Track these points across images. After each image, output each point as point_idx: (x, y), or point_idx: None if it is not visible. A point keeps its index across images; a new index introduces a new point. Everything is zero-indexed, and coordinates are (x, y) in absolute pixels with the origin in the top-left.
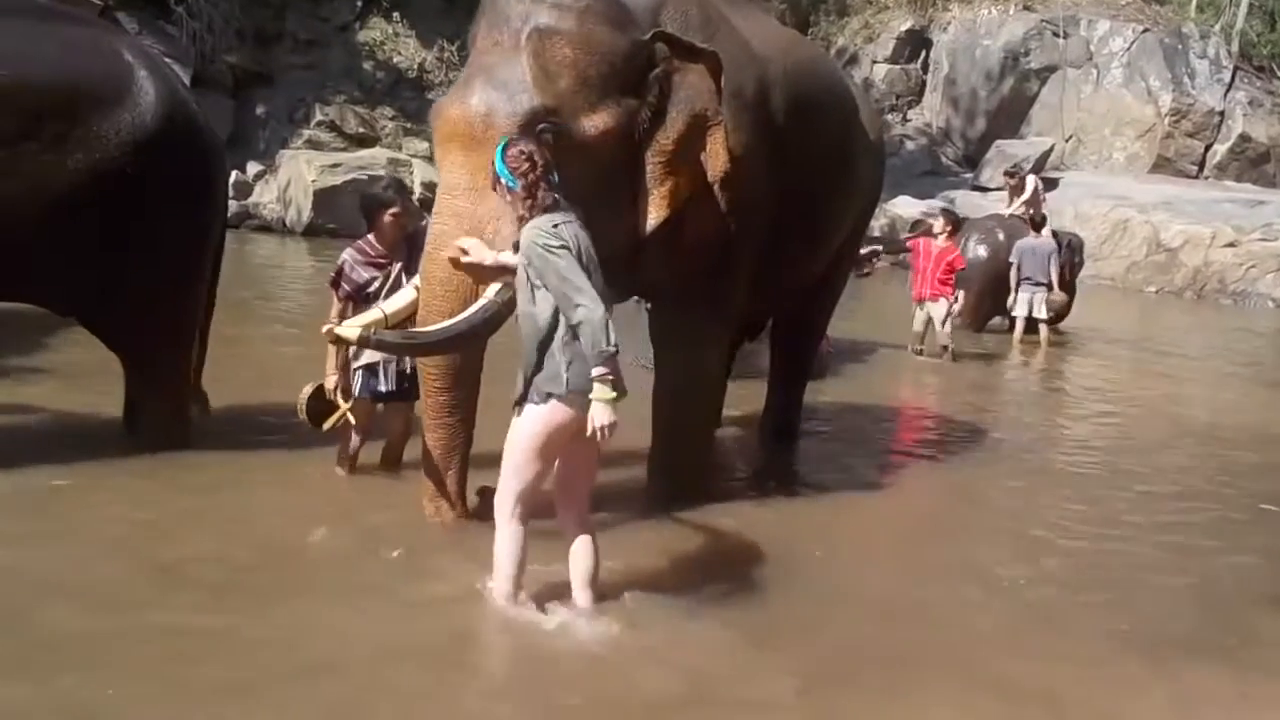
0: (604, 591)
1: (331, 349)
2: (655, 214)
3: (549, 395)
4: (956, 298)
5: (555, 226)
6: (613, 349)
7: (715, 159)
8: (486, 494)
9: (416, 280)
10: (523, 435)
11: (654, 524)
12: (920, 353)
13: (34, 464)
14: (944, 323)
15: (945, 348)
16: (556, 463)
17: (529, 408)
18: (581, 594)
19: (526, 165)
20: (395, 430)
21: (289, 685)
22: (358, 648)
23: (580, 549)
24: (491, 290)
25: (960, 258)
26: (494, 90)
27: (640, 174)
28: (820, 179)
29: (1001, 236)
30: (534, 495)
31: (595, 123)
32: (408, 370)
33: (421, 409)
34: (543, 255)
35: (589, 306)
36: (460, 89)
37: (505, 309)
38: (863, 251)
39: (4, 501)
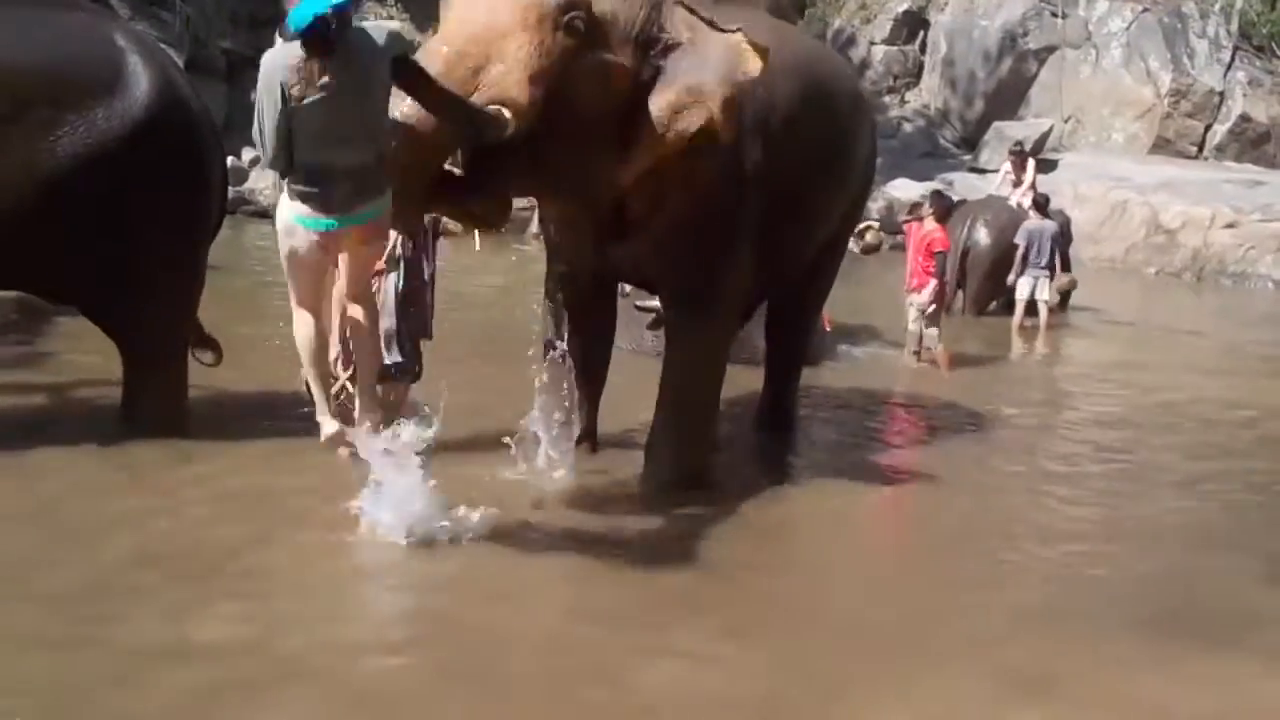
0: (602, 583)
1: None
2: (636, 163)
3: None
4: (931, 285)
5: None
6: None
7: (694, 131)
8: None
9: None
10: None
11: (647, 508)
12: (919, 354)
13: (30, 448)
14: (927, 316)
15: (929, 349)
16: None
17: None
18: None
19: None
20: (389, 407)
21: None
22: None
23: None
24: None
25: (939, 240)
26: None
27: (630, 125)
28: (811, 169)
29: (1007, 219)
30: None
31: (610, 57)
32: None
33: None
34: None
35: None
36: None
37: None
38: (859, 226)
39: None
